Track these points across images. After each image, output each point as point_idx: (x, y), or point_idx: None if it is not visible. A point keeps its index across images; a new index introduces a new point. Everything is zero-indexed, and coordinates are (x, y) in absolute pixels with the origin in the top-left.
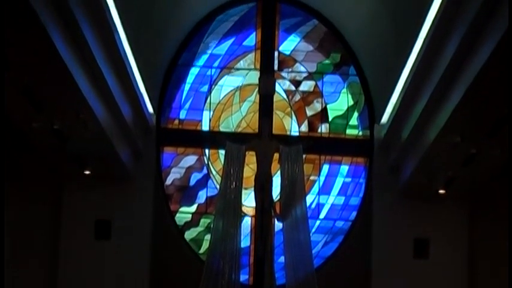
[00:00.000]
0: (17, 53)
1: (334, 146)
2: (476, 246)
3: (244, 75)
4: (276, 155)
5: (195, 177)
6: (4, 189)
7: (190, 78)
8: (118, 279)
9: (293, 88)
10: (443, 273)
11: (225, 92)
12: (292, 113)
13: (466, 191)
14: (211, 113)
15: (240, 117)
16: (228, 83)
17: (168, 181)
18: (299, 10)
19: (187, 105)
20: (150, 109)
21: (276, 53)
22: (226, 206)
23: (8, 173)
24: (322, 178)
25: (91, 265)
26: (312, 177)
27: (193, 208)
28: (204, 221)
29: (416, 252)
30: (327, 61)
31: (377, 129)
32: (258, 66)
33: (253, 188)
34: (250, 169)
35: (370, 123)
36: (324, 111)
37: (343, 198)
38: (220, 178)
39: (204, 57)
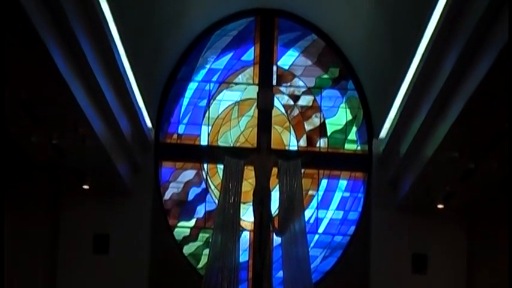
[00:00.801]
0: (16, 67)
1: (333, 161)
2: (474, 261)
3: (243, 89)
4: (275, 170)
5: (193, 192)
6: (4, 200)
7: (188, 93)
8: None
9: (291, 103)
10: None
11: (223, 107)
12: (291, 127)
13: (465, 206)
14: (210, 127)
15: (239, 131)
16: (227, 97)
17: (167, 196)
18: (297, 25)
19: (185, 120)
20: (149, 124)
21: (275, 68)
22: (224, 220)
23: (6, 187)
24: (320, 193)
25: (89, 279)
26: (310, 192)
27: (192, 223)
28: (203, 236)
29: (415, 267)
30: (326, 76)
31: (375, 144)
32: (257, 81)
33: (251, 203)
34: (248, 184)
35: (369, 138)
36: (322, 126)
37: (341, 212)
38: (218, 193)
39: (203, 71)
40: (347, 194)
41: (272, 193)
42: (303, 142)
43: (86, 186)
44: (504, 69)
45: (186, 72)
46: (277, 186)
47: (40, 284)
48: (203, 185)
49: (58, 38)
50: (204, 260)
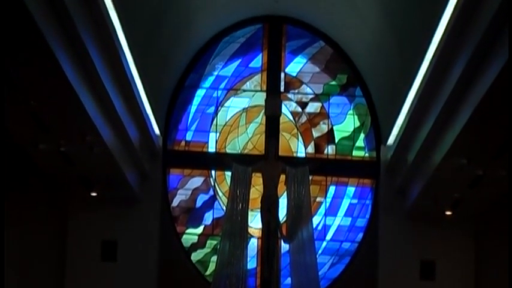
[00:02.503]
0: (24, 74)
1: (341, 168)
2: (482, 268)
3: (251, 96)
4: (283, 177)
5: (201, 199)
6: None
7: (196, 100)
8: None
9: (299, 109)
10: None
11: (231, 114)
12: (299, 134)
13: (472, 212)
14: (218, 134)
15: (247, 138)
16: (235, 104)
17: (175, 203)
18: (305, 32)
19: (193, 127)
20: (157, 131)
21: (283, 75)
22: (232, 227)
23: (15, 194)
24: (328, 200)
25: (97, 286)
26: (318, 199)
27: (200, 230)
28: (211, 243)
29: (423, 274)
30: (334, 82)
31: (383, 151)
32: (265, 88)
33: (259, 210)
34: (256, 191)
35: (377, 145)
36: (330, 133)
37: (349, 219)
38: (226, 200)
39: (211, 78)
40: (355, 201)
41: (280, 200)
42: (310, 149)
43: (94, 194)
44: None
45: (194, 79)
46: (285, 193)
47: None
48: (211, 192)
49: (66, 46)
50: (212, 267)
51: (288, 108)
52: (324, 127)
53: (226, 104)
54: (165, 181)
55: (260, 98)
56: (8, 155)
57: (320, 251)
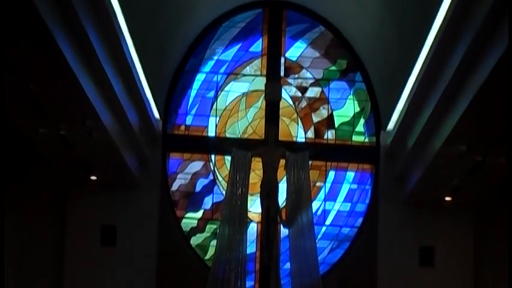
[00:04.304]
0: (23, 58)
1: (340, 153)
2: (481, 255)
3: (251, 81)
4: (282, 162)
5: (201, 183)
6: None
7: (196, 84)
8: (124, 286)
9: (299, 94)
10: (449, 281)
11: (231, 98)
12: (299, 119)
13: (472, 199)
14: (218, 119)
15: (246, 123)
16: (235, 89)
17: (174, 187)
18: (305, 16)
19: (193, 111)
20: (157, 115)
21: (283, 59)
22: (232, 212)
23: (14, 179)
24: (328, 185)
25: (97, 271)
26: (318, 184)
27: (199, 214)
28: (210, 227)
29: (422, 260)
30: (334, 67)
31: (383, 136)
32: (265, 73)
33: (259, 194)
34: (256, 175)
35: (377, 130)
36: (330, 118)
37: (349, 204)
38: (226, 184)
39: (211, 63)
40: (354, 186)
41: (280, 185)
42: (310, 134)
43: (93, 178)
44: None
45: (194, 63)
46: (285, 178)
47: (48, 276)
48: (211, 177)
49: (66, 31)
50: (211, 251)
51: (287, 93)
52: (323, 112)
53: (226, 89)
54: (165, 165)
55: (260, 83)
56: (7, 140)
57: (319, 236)
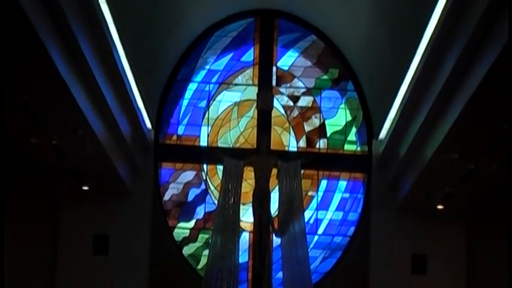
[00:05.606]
0: (16, 68)
1: (333, 162)
2: (474, 262)
3: (243, 90)
4: (274, 171)
5: (193, 193)
6: (4, 198)
7: (188, 94)
8: None
9: (291, 104)
10: None
11: (223, 108)
12: (291, 128)
13: (464, 207)
14: (210, 128)
15: (238, 132)
16: (226, 98)
17: (166, 197)
18: (297, 26)
19: (185, 121)
20: (149, 125)
21: (274, 69)
22: (224, 221)
23: (6, 188)
24: (320, 193)
25: (89, 280)
26: (310, 193)
27: (192, 224)
28: (202, 237)
29: (415, 268)
30: (325, 77)
31: (375, 145)
32: (256, 82)
33: (251, 204)
34: (248, 184)
35: (369, 139)
36: (322, 127)
37: (341, 213)
38: (218, 193)
39: (202, 72)
40: (347, 195)
41: (272, 194)
42: (302, 143)
43: (85, 188)
44: (504, 70)
45: (186, 73)
46: (277, 187)
47: (40, 285)
48: (203, 186)
49: (57, 39)
50: (203, 260)
51: (279, 102)
52: (315, 121)
53: (218, 98)
54: (157, 175)
55: (252, 92)
56: (1, 149)
57: (312, 245)
